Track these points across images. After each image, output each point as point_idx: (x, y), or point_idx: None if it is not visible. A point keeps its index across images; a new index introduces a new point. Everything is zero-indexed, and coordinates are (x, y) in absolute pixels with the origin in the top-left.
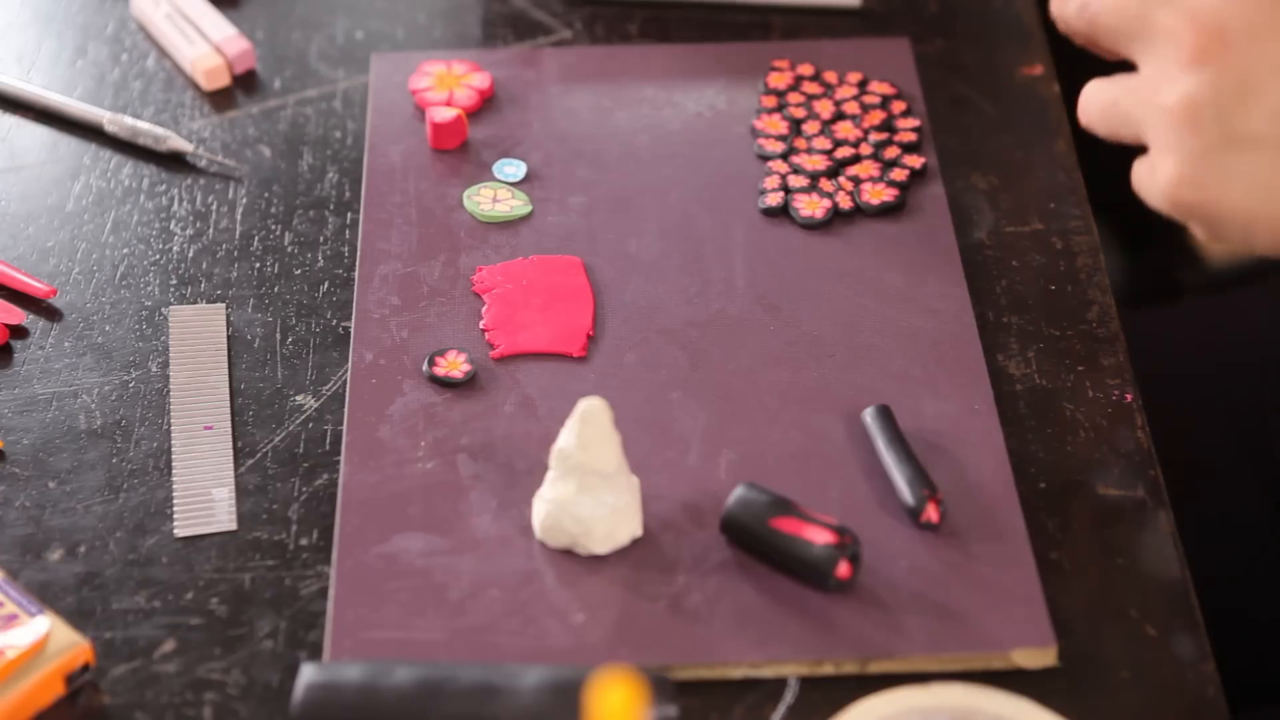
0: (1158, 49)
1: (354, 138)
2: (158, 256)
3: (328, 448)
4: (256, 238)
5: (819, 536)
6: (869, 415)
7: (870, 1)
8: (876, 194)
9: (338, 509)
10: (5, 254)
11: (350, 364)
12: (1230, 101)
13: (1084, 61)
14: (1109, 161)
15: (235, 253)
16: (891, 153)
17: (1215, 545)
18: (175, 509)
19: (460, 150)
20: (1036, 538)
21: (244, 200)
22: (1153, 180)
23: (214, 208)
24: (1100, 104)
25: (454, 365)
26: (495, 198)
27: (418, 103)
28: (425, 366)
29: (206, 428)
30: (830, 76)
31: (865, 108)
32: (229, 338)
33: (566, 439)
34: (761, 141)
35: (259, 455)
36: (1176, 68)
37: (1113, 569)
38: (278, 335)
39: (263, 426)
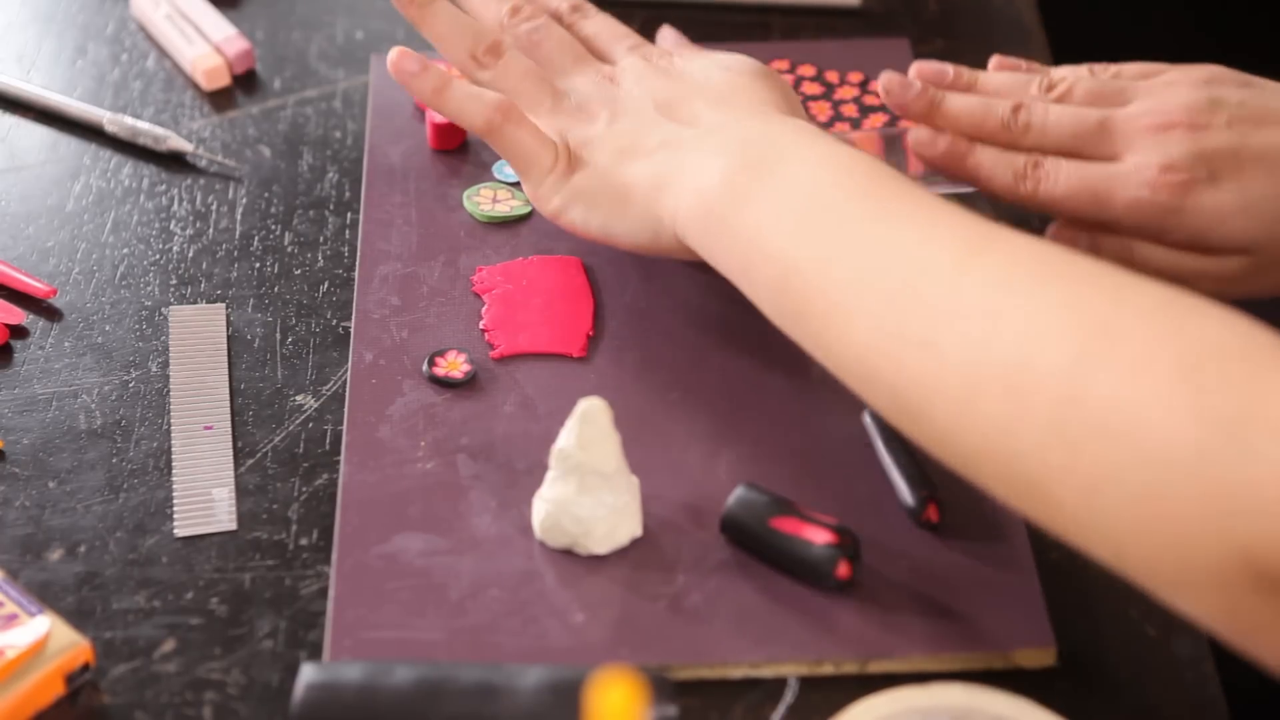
0: None
1: (354, 138)
2: (158, 256)
3: (328, 448)
4: (256, 238)
5: (819, 536)
6: (869, 415)
7: (870, 1)
8: None
9: (338, 509)
10: (5, 254)
11: (350, 364)
12: None
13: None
14: None
15: (235, 253)
16: None
17: None
18: (175, 509)
19: (460, 150)
20: (1036, 538)
21: (244, 200)
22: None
23: (214, 208)
24: None
25: (454, 365)
26: (495, 198)
27: (418, 103)
28: (425, 367)
29: (206, 428)
30: (831, 76)
31: (865, 109)
32: (229, 338)
33: (566, 439)
34: None
35: (259, 455)
36: None
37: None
38: (278, 335)
39: (263, 426)
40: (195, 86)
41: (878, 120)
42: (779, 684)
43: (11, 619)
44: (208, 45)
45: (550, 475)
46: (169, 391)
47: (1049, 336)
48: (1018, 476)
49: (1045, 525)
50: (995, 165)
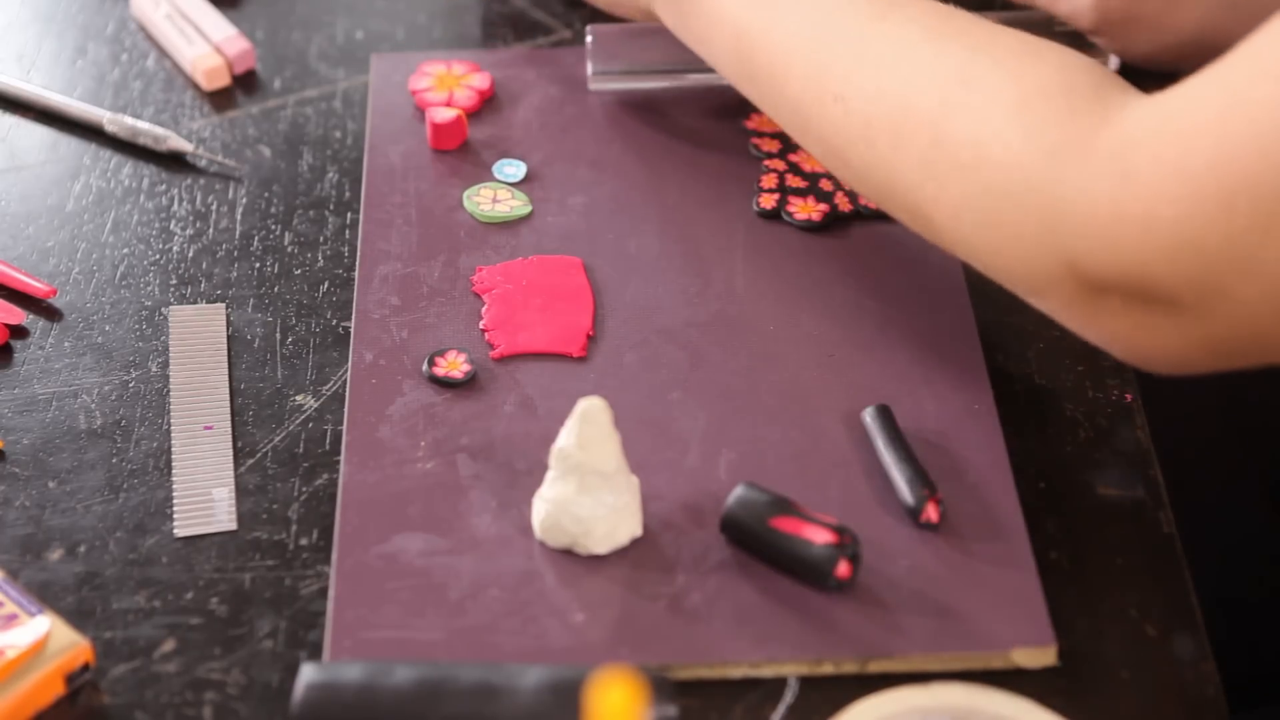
0: None
1: (354, 138)
2: (158, 256)
3: (328, 448)
4: (256, 238)
5: (819, 536)
6: (869, 415)
7: None
8: None
9: (338, 509)
10: (5, 254)
11: (350, 364)
12: None
13: None
14: None
15: (235, 253)
16: None
17: (1215, 545)
18: (175, 509)
19: (460, 150)
20: (1036, 538)
21: (244, 200)
22: None
23: (214, 208)
24: None
25: (454, 365)
26: (495, 198)
27: (418, 103)
28: (425, 366)
29: (206, 428)
30: None
31: None
32: (229, 338)
33: (566, 439)
34: (756, 141)
35: (259, 455)
36: None
37: (1113, 569)
38: (278, 335)
39: (263, 426)
40: (195, 86)
41: None
42: (779, 684)
43: (11, 619)
44: (208, 45)
45: (550, 475)
46: (169, 391)
47: (922, 89)
48: (907, 206)
49: (936, 244)
50: None
